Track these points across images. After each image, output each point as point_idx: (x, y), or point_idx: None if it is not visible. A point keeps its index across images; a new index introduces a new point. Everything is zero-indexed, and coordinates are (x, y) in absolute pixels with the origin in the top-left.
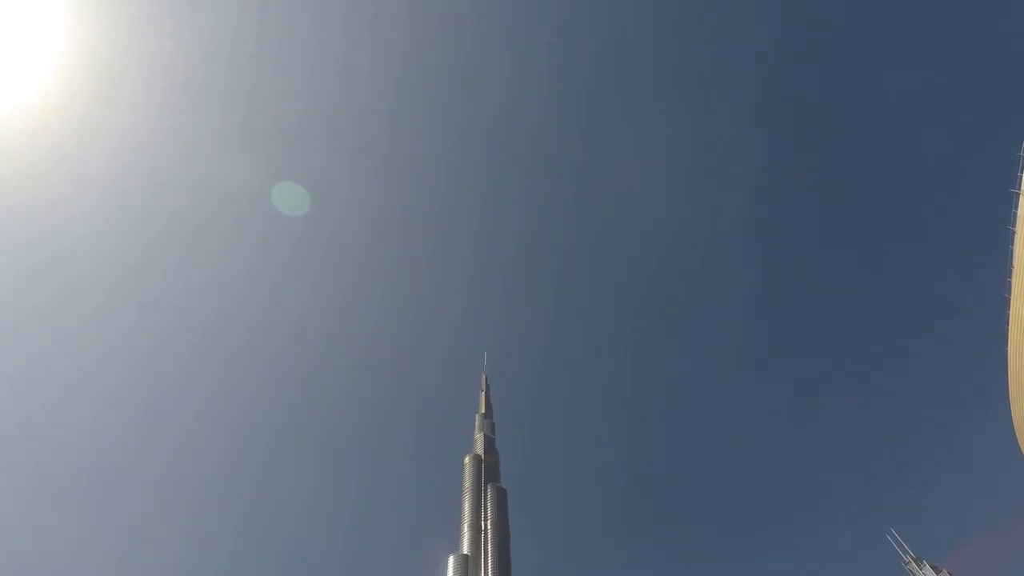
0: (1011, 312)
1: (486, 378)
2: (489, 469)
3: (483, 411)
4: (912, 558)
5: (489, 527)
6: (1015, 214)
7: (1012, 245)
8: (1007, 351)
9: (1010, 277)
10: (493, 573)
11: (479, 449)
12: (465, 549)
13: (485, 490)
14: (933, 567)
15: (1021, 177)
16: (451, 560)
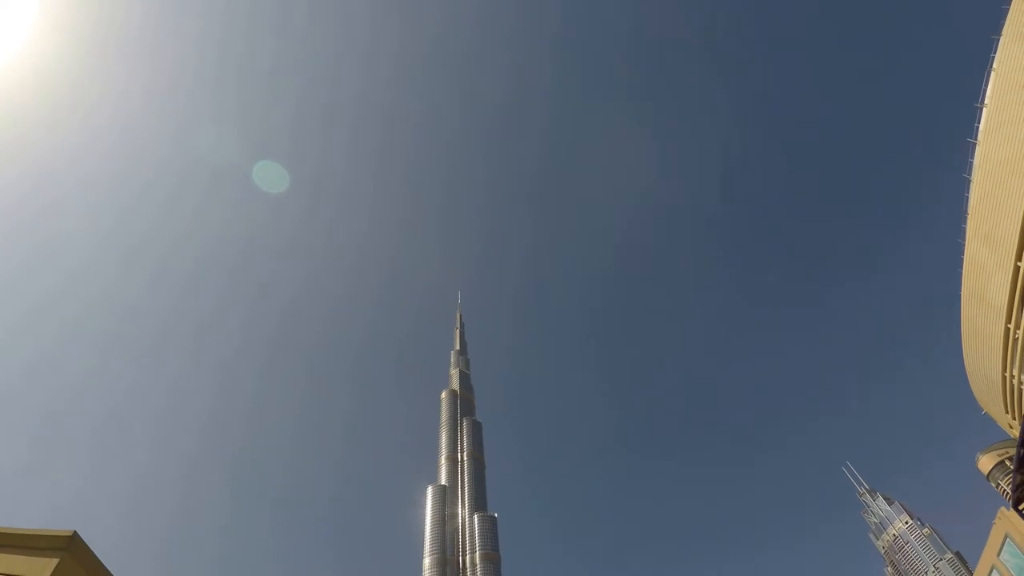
0: (965, 256)
1: (460, 316)
2: (465, 403)
3: (458, 348)
4: (866, 489)
5: (465, 458)
6: (971, 163)
7: (967, 192)
8: (960, 295)
9: (964, 223)
10: (470, 502)
11: (455, 384)
12: (443, 480)
13: (461, 423)
14: (885, 498)
15: (978, 128)
16: (429, 490)
